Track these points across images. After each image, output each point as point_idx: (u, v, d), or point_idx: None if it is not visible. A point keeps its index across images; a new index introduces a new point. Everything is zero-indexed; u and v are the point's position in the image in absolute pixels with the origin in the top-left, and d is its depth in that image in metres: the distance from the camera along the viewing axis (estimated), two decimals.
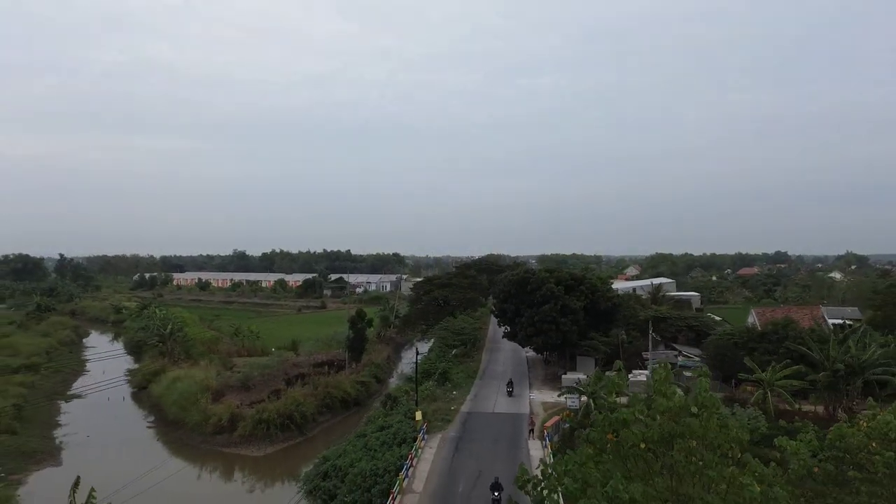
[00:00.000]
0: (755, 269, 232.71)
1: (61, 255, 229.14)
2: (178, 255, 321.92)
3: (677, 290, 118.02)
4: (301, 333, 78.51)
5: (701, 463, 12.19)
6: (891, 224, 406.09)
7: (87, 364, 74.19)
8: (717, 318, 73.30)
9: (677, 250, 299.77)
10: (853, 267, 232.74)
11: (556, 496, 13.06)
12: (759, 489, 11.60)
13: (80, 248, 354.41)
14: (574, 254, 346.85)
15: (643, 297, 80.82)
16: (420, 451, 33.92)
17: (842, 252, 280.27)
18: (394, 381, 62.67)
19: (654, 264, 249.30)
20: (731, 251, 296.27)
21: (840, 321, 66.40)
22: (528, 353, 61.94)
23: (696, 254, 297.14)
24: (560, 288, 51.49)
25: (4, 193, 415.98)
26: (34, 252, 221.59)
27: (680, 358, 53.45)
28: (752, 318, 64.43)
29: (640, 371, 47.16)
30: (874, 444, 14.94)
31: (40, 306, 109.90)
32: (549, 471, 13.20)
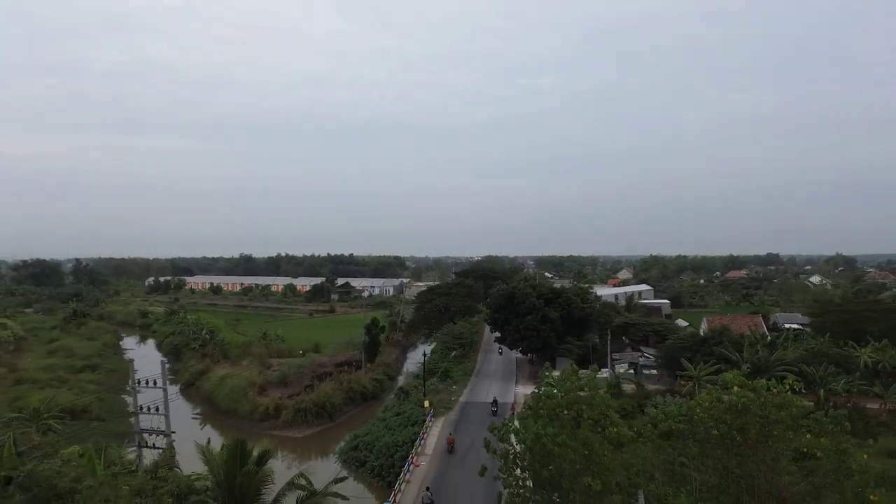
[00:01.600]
0: (743, 272, 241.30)
1: (77, 260, 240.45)
2: (181, 256, 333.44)
3: (660, 297, 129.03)
4: (316, 336, 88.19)
5: (586, 416, 23.00)
6: (890, 223, 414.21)
7: (134, 363, 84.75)
8: (685, 324, 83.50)
9: (675, 251, 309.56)
10: (839, 269, 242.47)
11: (510, 436, 23.76)
12: (616, 430, 22.50)
13: (80, 250, 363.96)
14: (571, 255, 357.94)
15: (620, 304, 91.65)
16: (428, 428, 44.71)
17: (836, 253, 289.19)
18: (402, 379, 72.36)
19: (646, 267, 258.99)
20: (729, 252, 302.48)
21: (784, 326, 77.48)
22: (517, 354, 72.64)
23: (691, 255, 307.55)
24: (541, 301, 62.23)
25: (5, 194, 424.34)
26: (35, 253, 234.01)
27: (641, 358, 64.17)
28: (704, 325, 75.01)
29: (605, 368, 58.00)
30: (699, 410, 25.71)
31: (76, 312, 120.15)
32: (507, 422, 24.05)
